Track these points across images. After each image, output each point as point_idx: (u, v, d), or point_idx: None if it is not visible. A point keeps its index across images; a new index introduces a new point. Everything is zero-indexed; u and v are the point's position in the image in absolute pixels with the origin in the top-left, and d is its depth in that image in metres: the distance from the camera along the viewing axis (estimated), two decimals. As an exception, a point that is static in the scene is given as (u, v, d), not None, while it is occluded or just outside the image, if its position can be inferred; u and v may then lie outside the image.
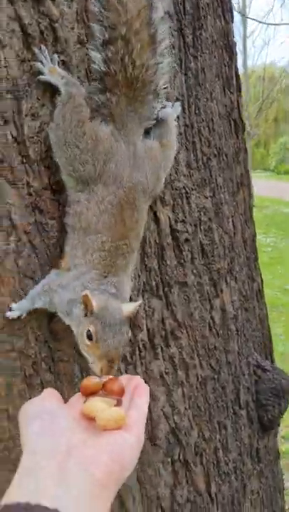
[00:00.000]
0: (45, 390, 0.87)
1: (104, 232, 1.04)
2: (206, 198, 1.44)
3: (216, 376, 1.49)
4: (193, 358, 1.41)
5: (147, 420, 1.32)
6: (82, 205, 1.05)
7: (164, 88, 1.14)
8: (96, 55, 1.06)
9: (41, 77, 1.05)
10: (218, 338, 1.50)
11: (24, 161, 1.07)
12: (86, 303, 0.92)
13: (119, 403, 0.80)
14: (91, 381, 0.85)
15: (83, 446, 0.67)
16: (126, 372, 1.28)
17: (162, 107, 1.25)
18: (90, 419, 0.76)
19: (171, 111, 1.24)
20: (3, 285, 1.09)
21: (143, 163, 1.10)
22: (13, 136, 1.05)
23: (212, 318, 1.48)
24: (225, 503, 1.57)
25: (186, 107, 1.34)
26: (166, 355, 1.35)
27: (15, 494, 0.58)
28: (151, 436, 1.34)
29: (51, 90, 1.07)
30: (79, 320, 0.96)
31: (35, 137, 1.07)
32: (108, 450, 0.67)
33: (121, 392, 0.81)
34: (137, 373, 1.29)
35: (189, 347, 1.40)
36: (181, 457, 1.41)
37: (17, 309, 1.08)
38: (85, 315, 0.94)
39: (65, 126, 1.03)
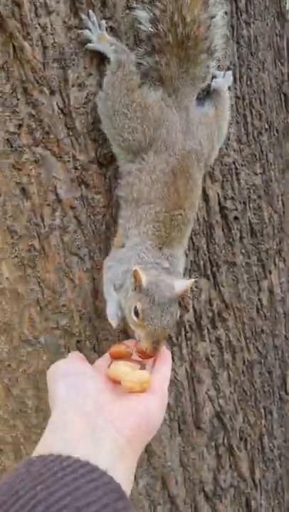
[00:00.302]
0: (70, 353, 0.92)
1: (157, 202, 0.99)
2: (256, 174, 1.37)
3: (262, 360, 1.44)
4: (240, 340, 1.36)
5: (192, 403, 1.30)
6: (133, 176, 1.00)
7: (221, 45, 1.07)
8: (142, 15, 0.99)
9: (89, 45, 1.00)
10: (266, 321, 1.44)
11: (70, 133, 1.03)
12: (136, 277, 0.88)
13: (142, 367, 0.83)
14: (121, 348, 0.87)
15: (110, 406, 0.69)
16: (172, 353, 1.25)
17: (213, 77, 1.19)
18: (116, 381, 0.79)
19: (223, 81, 1.17)
20: (48, 261, 1.07)
21: (196, 130, 1.04)
22: (59, 107, 1.01)
23: (260, 300, 1.42)
24: (268, 490, 1.53)
25: (237, 77, 1.27)
26: (213, 337, 1.30)
27: (47, 447, 0.59)
28: (195, 419, 1.31)
29: (98, 59, 1.03)
30: (128, 293, 0.92)
31: (82, 108, 1.03)
32: (134, 410, 0.69)
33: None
34: (182, 355, 1.26)
35: (236, 329, 1.35)
36: (225, 441, 1.38)
37: (111, 315, 0.99)
38: (135, 289, 0.90)
39: (114, 95, 0.99)
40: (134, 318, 0.88)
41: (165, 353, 0.90)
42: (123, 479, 0.57)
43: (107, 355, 0.91)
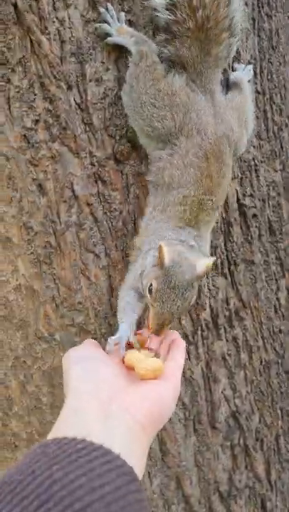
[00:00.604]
0: (86, 340, 0.93)
1: (188, 186, 0.96)
2: (276, 171, 1.34)
3: (279, 360, 1.42)
4: (257, 340, 1.34)
5: (207, 402, 1.28)
6: (164, 161, 0.98)
7: (240, 21, 1.03)
8: (159, 2, 0.96)
9: (110, 38, 0.99)
10: (284, 321, 1.42)
11: (87, 129, 1.02)
12: (160, 253, 0.86)
13: (157, 355, 0.85)
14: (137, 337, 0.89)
15: (124, 392, 0.70)
16: (188, 352, 1.23)
17: (234, 70, 1.16)
18: (130, 368, 0.81)
19: (243, 74, 1.15)
20: (63, 258, 1.06)
21: (225, 112, 1.02)
22: (76, 103, 1.00)
23: (278, 299, 1.39)
24: (284, 491, 1.51)
25: (258, 71, 1.24)
26: (230, 336, 1.29)
27: (61, 430, 0.60)
28: (211, 419, 1.29)
29: (116, 53, 1.01)
30: (149, 267, 0.91)
31: (99, 104, 1.02)
32: (148, 397, 0.70)
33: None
34: (198, 354, 1.24)
35: (254, 329, 1.32)
36: (241, 442, 1.36)
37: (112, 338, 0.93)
38: (157, 264, 0.88)
39: (140, 87, 0.97)
40: (148, 295, 0.87)
41: (179, 341, 0.90)
42: (136, 464, 0.57)
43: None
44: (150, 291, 0.86)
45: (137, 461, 0.59)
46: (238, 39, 1.04)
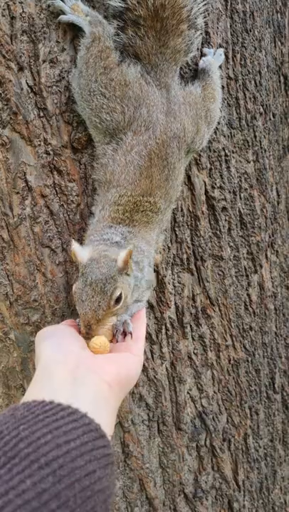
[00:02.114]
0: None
1: (125, 185, 0.91)
2: (248, 162, 1.28)
3: (249, 358, 1.37)
4: (225, 338, 1.28)
5: (172, 403, 1.23)
6: (108, 157, 0.93)
7: (202, 14, 0.96)
8: None
9: (63, 17, 0.91)
10: (254, 318, 1.37)
11: (41, 114, 0.94)
12: (73, 254, 0.82)
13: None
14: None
15: (92, 358, 0.72)
16: (151, 352, 1.18)
17: (203, 55, 1.09)
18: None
19: (213, 59, 1.07)
20: (17, 253, 0.99)
21: (179, 109, 0.96)
22: (28, 85, 0.92)
23: (249, 295, 1.34)
24: (252, 491, 1.48)
25: (230, 55, 1.17)
26: (196, 334, 1.23)
27: (31, 395, 0.62)
28: (176, 420, 1.25)
29: (73, 32, 0.93)
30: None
31: (54, 87, 0.94)
32: (115, 361, 0.73)
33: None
34: (162, 353, 1.19)
35: (222, 326, 1.27)
36: (207, 443, 1.32)
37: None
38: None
39: (89, 73, 0.89)
40: (75, 299, 0.83)
41: (139, 315, 0.91)
42: (104, 422, 0.59)
43: None
44: (74, 294, 0.83)
45: (105, 419, 0.61)
46: (199, 33, 0.98)
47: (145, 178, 0.91)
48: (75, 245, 0.82)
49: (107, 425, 0.61)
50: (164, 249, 1.12)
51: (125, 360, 0.76)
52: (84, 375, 0.67)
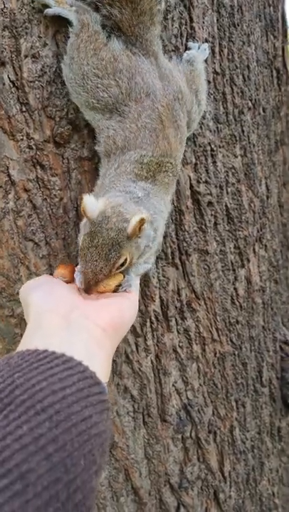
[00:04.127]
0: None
1: (144, 146, 0.91)
2: (236, 156, 1.28)
3: (236, 352, 1.38)
4: (211, 331, 1.29)
5: (157, 395, 1.24)
6: (114, 128, 0.93)
7: None
8: None
9: (49, 10, 0.91)
10: (241, 312, 1.38)
11: (24, 109, 0.95)
12: (83, 208, 0.78)
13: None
14: (66, 271, 0.88)
15: (84, 305, 0.72)
16: (136, 345, 1.19)
17: (188, 49, 1.09)
18: None
19: (198, 53, 1.07)
20: (1, 247, 1.01)
21: (171, 74, 0.97)
22: (10, 80, 0.93)
23: (235, 289, 1.35)
24: (239, 482, 1.50)
25: (216, 50, 1.17)
26: (181, 328, 1.24)
27: (24, 345, 0.62)
28: (160, 412, 1.26)
29: (55, 27, 0.94)
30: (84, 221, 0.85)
31: (37, 82, 0.94)
32: (107, 306, 0.73)
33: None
34: (147, 346, 1.20)
35: (207, 320, 1.28)
36: (192, 434, 1.33)
37: None
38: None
39: (80, 57, 0.90)
40: (79, 250, 0.82)
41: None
42: (99, 369, 0.59)
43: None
44: (79, 246, 0.82)
45: (100, 365, 0.61)
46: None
47: (163, 140, 0.92)
48: (87, 198, 0.78)
49: (102, 372, 0.62)
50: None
51: (119, 304, 0.75)
52: (77, 321, 0.67)
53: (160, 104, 0.93)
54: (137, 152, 0.91)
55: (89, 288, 0.79)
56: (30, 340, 0.63)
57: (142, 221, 0.77)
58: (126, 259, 0.81)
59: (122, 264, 0.81)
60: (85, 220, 0.87)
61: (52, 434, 0.48)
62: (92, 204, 0.78)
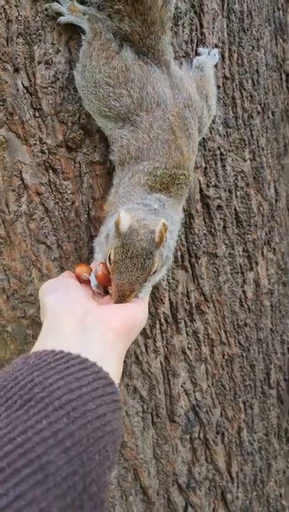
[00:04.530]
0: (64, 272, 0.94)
1: (156, 158, 0.93)
2: (245, 160, 1.29)
3: (244, 354, 1.39)
4: (219, 334, 1.31)
5: (166, 396, 1.26)
6: (128, 137, 0.94)
7: None
8: None
9: (62, 18, 0.93)
10: (250, 314, 1.39)
11: (37, 114, 0.97)
12: (117, 221, 0.82)
13: None
14: (82, 271, 0.89)
15: (98, 308, 0.75)
16: (146, 346, 1.21)
17: (198, 54, 1.10)
18: None
19: (207, 59, 1.09)
20: (13, 249, 1.02)
21: (182, 81, 0.98)
22: (24, 86, 0.94)
23: (244, 292, 1.36)
24: (246, 483, 1.51)
25: (226, 55, 1.18)
26: (190, 330, 1.26)
27: (41, 346, 0.64)
28: (169, 413, 1.28)
29: (68, 34, 0.95)
30: (112, 231, 0.87)
31: (50, 88, 0.96)
32: (121, 311, 0.76)
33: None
34: (156, 347, 1.21)
35: (216, 322, 1.30)
36: (201, 435, 1.34)
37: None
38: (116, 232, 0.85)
39: (93, 66, 0.92)
40: (108, 264, 0.85)
41: None
42: (111, 369, 0.62)
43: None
44: (110, 260, 0.84)
45: (112, 366, 0.63)
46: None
47: (175, 150, 0.94)
48: (124, 214, 0.81)
49: (115, 373, 0.63)
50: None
51: (131, 309, 0.78)
52: (91, 324, 0.69)
53: (171, 113, 0.94)
54: (150, 164, 0.93)
55: (124, 298, 0.82)
56: (46, 341, 0.66)
57: (165, 226, 0.81)
58: (157, 266, 0.85)
59: (155, 272, 0.85)
60: (104, 235, 0.90)
61: (69, 429, 0.50)
62: (126, 220, 0.82)
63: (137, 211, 0.87)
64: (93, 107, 0.96)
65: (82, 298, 0.77)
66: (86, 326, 0.68)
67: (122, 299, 0.82)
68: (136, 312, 0.78)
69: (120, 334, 0.71)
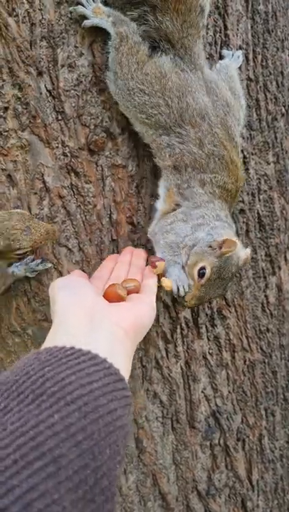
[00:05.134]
0: (74, 271, 0.96)
1: (219, 172, 0.95)
2: (268, 163, 1.27)
3: (266, 360, 1.37)
4: (241, 339, 1.29)
5: (186, 401, 1.25)
6: (180, 147, 0.95)
7: None
8: None
9: (87, 22, 0.92)
10: (272, 319, 1.37)
11: (59, 117, 0.97)
12: (229, 244, 0.88)
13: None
14: (114, 291, 0.87)
15: (108, 306, 0.75)
16: (166, 350, 1.19)
17: (222, 57, 1.09)
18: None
19: (230, 62, 1.07)
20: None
21: (217, 86, 0.98)
22: (47, 89, 0.95)
23: (266, 297, 1.34)
24: (267, 491, 1.48)
25: (250, 57, 1.17)
26: (211, 335, 1.24)
27: (51, 342, 0.64)
28: (189, 418, 1.26)
29: (91, 37, 0.95)
30: (203, 245, 0.91)
31: (72, 91, 0.96)
32: (129, 309, 0.76)
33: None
34: (177, 352, 1.20)
35: (237, 327, 1.28)
36: (221, 442, 1.33)
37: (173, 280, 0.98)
38: (214, 249, 0.90)
39: (124, 73, 0.91)
40: (196, 276, 0.90)
41: (148, 269, 0.95)
42: (121, 366, 0.62)
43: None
44: (200, 274, 0.89)
45: (121, 363, 0.64)
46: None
47: (232, 164, 0.96)
48: (239, 244, 0.93)
49: (124, 369, 0.64)
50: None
51: (139, 308, 0.79)
52: (101, 321, 0.69)
53: (216, 127, 0.94)
54: (217, 178, 0.96)
55: (194, 306, 0.95)
56: (56, 337, 0.66)
57: (250, 255, 0.95)
58: None
59: None
60: (190, 243, 0.93)
61: (81, 423, 0.50)
62: (239, 250, 0.92)
63: (226, 230, 0.94)
64: (130, 113, 0.96)
65: (92, 296, 0.77)
66: (96, 322, 0.69)
67: (195, 306, 0.92)
68: (145, 312, 0.79)
69: (129, 333, 0.71)
